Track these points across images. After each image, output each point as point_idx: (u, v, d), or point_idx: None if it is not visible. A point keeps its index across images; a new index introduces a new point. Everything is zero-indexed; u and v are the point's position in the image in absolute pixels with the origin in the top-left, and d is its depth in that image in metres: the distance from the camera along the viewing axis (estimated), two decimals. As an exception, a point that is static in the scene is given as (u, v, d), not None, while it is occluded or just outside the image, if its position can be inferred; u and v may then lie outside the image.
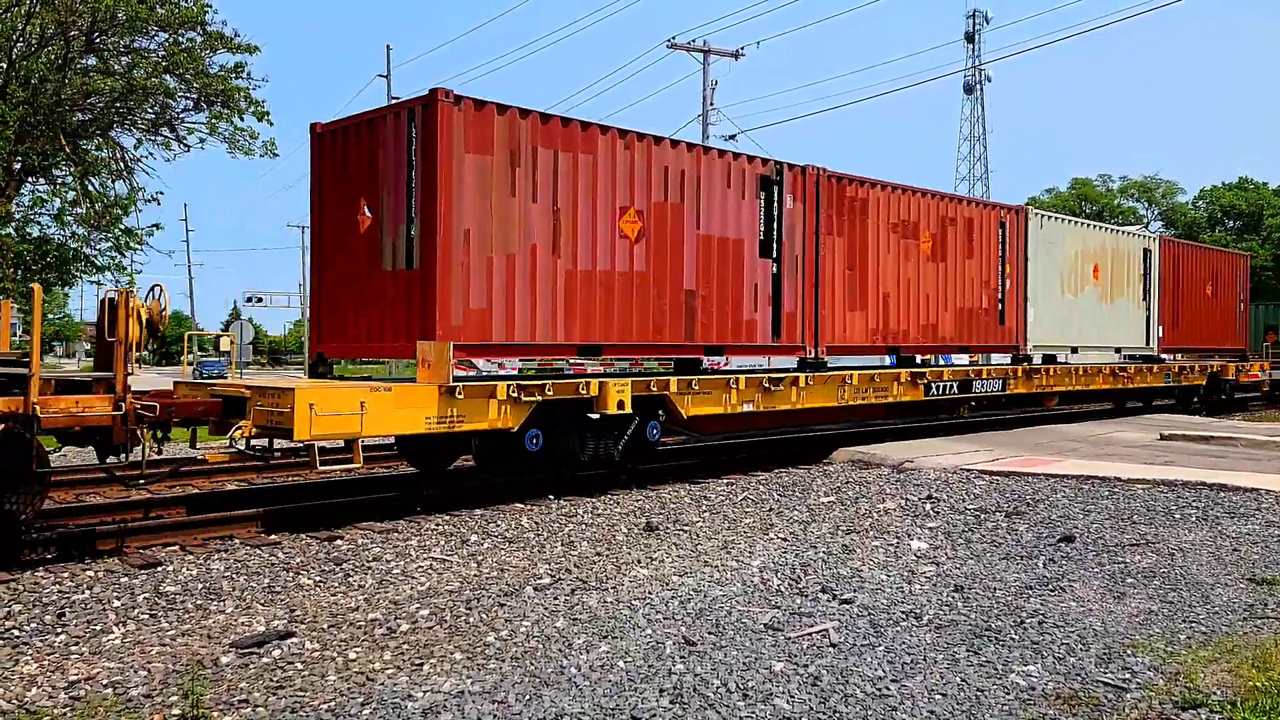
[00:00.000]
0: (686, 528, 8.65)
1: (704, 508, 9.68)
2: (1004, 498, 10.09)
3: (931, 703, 4.53)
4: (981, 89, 72.28)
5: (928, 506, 9.61)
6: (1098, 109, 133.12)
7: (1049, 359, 18.39)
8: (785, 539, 8.18)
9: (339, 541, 8.07)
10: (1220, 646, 5.37)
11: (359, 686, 4.70)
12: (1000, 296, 16.48)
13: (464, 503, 9.93)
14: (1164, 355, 21.34)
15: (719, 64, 31.07)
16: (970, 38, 70.60)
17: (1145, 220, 69.81)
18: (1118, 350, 20.03)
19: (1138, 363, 20.59)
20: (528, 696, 4.55)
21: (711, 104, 30.15)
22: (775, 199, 12.64)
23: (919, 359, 15.61)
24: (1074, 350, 18.56)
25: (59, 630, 5.60)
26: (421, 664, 5.02)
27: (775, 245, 12.67)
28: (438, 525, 8.81)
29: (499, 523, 8.91)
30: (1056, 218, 18.39)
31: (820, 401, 13.10)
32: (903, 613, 5.95)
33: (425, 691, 4.61)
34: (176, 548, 7.86)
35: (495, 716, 4.33)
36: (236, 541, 8.08)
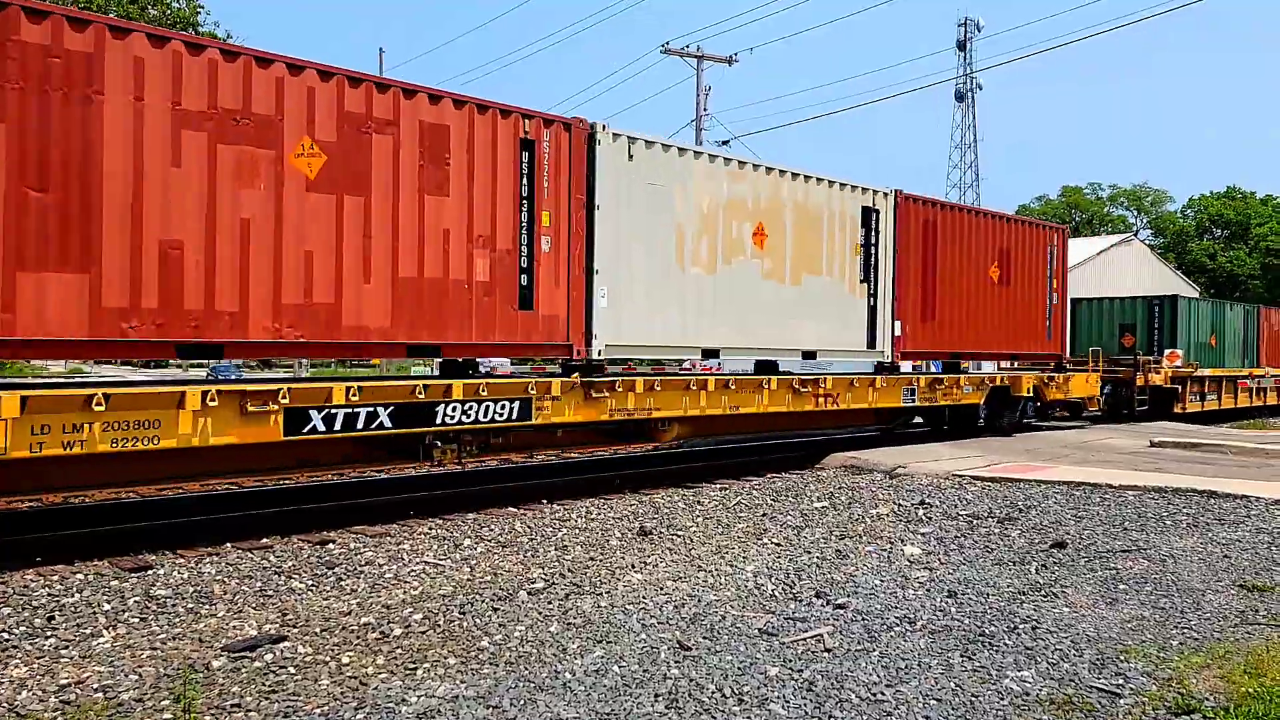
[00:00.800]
0: (680, 532, 8.65)
1: (697, 512, 9.68)
2: (996, 503, 10.12)
3: (926, 708, 4.54)
4: (973, 97, 72.65)
5: (920, 512, 9.63)
6: (1089, 117, 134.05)
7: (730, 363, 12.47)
8: (779, 544, 8.18)
9: (331, 545, 8.04)
10: (1212, 652, 5.39)
11: (352, 691, 4.68)
12: (524, 264, 9.97)
13: (456, 506, 9.91)
14: (907, 363, 15.12)
15: (713, 69, 31.17)
16: (962, 46, 71.00)
17: (1135, 228, 70.20)
18: (811, 355, 13.53)
19: (853, 374, 14.11)
20: (522, 701, 4.53)
21: (705, 109, 30.24)
22: None
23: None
24: (710, 354, 12.18)
25: (49, 633, 5.56)
26: (415, 668, 5.00)
27: None
28: (430, 529, 8.78)
29: (492, 526, 8.89)
30: (666, 145, 11.43)
31: None
32: (897, 618, 5.96)
33: (419, 696, 4.59)
34: (166, 552, 7.81)
35: (490, 721, 4.31)
36: (228, 545, 8.04)
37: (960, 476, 11.76)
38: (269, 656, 5.15)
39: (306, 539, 8.29)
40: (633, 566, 7.32)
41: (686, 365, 18.27)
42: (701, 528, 8.89)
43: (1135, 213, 74.69)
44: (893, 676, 4.93)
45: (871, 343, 14.27)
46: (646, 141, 11.25)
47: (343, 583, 6.80)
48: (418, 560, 7.50)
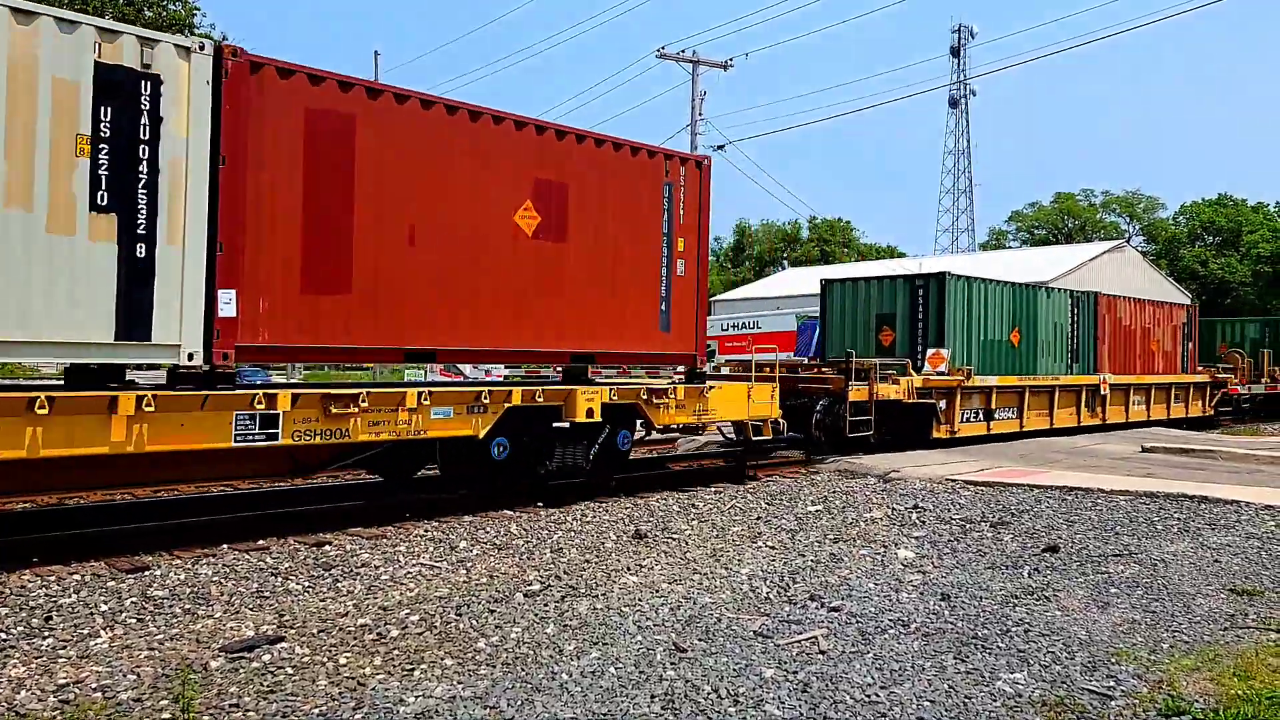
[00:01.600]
0: (675, 535, 8.68)
1: (692, 516, 9.72)
2: (989, 508, 10.18)
3: (920, 709, 4.58)
4: (966, 103, 72.98)
5: (914, 516, 9.68)
6: (1083, 123, 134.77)
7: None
8: (774, 547, 8.22)
9: (327, 547, 8.05)
10: (1202, 655, 5.45)
11: (350, 692, 4.71)
12: None
13: (452, 509, 9.92)
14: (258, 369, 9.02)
15: (709, 74, 31.25)
16: (955, 52, 71.33)
17: (1127, 234, 70.52)
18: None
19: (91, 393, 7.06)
20: (520, 702, 4.56)
21: (700, 114, 30.33)
22: None
23: None
24: None
25: (46, 634, 5.57)
26: (412, 670, 5.03)
27: None
28: (426, 531, 8.80)
29: (488, 529, 8.91)
30: None
31: None
32: (891, 621, 6.00)
33: (417, 697, 4.62)
34: (162, 553, 7.82)
35: (487, 721, 4.34)
36: (225, 546, 8.05)
37: (953, 481, 11.82)
38: (266, 657, 5.17)
39: (303, 540, 8.30)
40: (628, 569, 7.36)
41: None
42: (696, 531, 8.93)
43: (1128, 219, 75.02)
44: (887, 678, 4.98)
45: (139, 329, 7.48)
46: None
47: (339, 584, 6.82)
48: (414, 562, 7.53)
